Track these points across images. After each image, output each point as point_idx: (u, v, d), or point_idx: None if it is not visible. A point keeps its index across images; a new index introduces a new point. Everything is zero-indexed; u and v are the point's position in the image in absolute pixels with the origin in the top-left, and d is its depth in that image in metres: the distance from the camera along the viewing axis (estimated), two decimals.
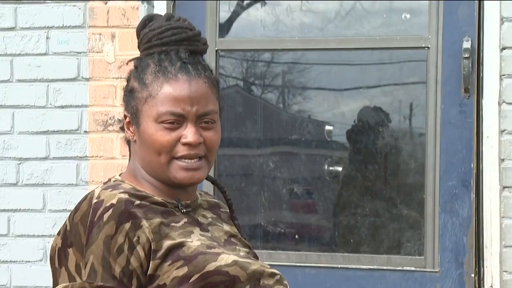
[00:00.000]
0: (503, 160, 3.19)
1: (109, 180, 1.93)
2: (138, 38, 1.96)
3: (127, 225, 1.78)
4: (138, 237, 1.78)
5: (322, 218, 3.59)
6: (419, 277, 3.36)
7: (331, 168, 3.56)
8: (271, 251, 3.54)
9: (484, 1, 3.26)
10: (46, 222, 3.55)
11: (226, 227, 2.00)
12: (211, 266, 1.79)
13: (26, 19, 3.59)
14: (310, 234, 3.59)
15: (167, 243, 1.80)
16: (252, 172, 3.61)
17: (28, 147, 3.58)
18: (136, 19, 3.46)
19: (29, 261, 3.58)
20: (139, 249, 1.78)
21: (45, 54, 3.57)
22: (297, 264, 3.47)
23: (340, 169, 3.55)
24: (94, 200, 1.82)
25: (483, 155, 3.25)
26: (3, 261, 3.60)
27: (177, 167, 1.86)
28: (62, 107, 3.55)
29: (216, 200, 2.08)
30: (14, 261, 3.59)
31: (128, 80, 1.94)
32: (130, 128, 1.92)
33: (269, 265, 1.93)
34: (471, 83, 3.28)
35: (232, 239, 1.97)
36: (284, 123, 3.62)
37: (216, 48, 3.55)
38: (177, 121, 1.85)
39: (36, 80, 3.57)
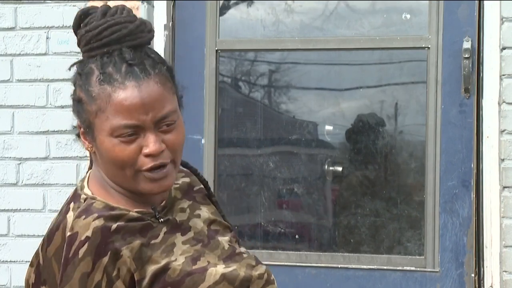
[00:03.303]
0: (503, 160, 3.19)
1: (78, 195, 1.79)
2: (76, 36, 1.78)
3: (105, 260, 1.67)
4: (118, 269, 1.68)
5: (322, 218, 3.59)
6: (419, 277, 3.36)
7: (331, 168, 3.56)
8: (271, 251, 3.54)
9: (484, 1, 3.26)
10: (46, 222, 3.55)
11: (204, 212, 1.89)
12: None
13: (26, 19, 3.59)
14: (310, 234, 3.59)
15: (151, 268, 1.70)
16: (252, 172, 3.61)
17: (28, 147, 3.58)
18: None
19: (29, 261, 3.57)
20: (118, 284, 1.68)
21: (45, 54, 3.57)
22: (297, 264, 3.47)
23: (340, 169, 3.55)
24: (68, 233, 1.69)
25: (483, 155, 3.25)
26: (3, 261, 3.60)
27: (143, 178, 1.73)
28: (62, 107, 3.55)
29: (187, 180, 1.94)
30: (14, 261, 3.59)
31: (74, 85, 1.77)
32: (87, 140, 1.76)
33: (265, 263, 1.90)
34: (471, 83, 3.28)
35: (213, 227, 1.87)
36: (284, 123, 3.62)
37: (216, 48, 3.55)
38: (134, 132, 1.69)
39: (36, 80, 3.57)
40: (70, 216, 1.72)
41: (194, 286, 1.71)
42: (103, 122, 1.69)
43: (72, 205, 1.76)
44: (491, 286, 3.22)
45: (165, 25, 3.53)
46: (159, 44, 3.52)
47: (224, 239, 1.85)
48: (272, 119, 3.65)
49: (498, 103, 3.21)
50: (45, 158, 3.56)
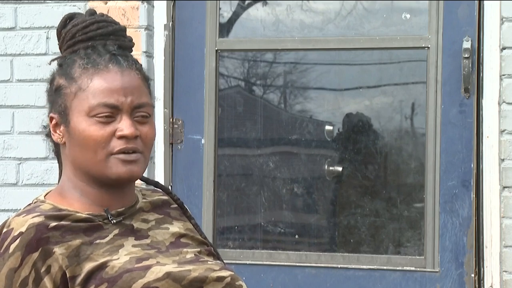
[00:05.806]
0: (503, 160, 3.19)
1: (32, 202, 1.80)
2: (59, 39, 1.84)
3: (35, 255, 1.66)
4: (49, 265, 1.66)
5: (322, 218, 3.59)
6: (419, 277, 3.36)
7: (331, 168, 3.56)
8: (271, 251, 3.54)
9: (484, 1, 3.26)
10: None
11: (175, 227, 1.86)
12: (138, 284, 1.66)
13: (26, 19, 3.59)
14: (310, 234, 3.59)
15: (87, 266, 1.68)
16: (252, 172, 3.61)
17: (28, 147, 3.58)
18: (136, 19, 3.46)
19: None
20: (47, 280, 1.66)
21: (45, 54, 3.57)
22: (297, 264, 3.47)
23: (340, 169, 3.55)
24: (4, 229, 1.70)
25: (483, 155, 3.25)
26: None
27: (115, 161, 1.73)
28: None
29: (163, 198, 1.93)
30: None
31: (51, 81, 1.82)
32: (58, 130, 1.78)
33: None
34: (471, 83, 3.28)
35: (182, 240, 1.84)
36: (284, 123, 3.62)
37: (216, 48, 3.55)
38: (111, 113, 1.73)
39: (36, 80, 3.57)
40: (13, 216, 1.74)
41: (132, 281, 1.67)
42: (82, 101, 1.74)
43: (21, 208, 1.78)
44: (491, 286, 3.22)
45: (165, 25, 3.53)
46: (159, 44, 3.52)
47: (191, 250, 1.82)
48: (272, 119, 3.65)
49: (498, 103, 3.21)
50: (45, 158, 3.56)
